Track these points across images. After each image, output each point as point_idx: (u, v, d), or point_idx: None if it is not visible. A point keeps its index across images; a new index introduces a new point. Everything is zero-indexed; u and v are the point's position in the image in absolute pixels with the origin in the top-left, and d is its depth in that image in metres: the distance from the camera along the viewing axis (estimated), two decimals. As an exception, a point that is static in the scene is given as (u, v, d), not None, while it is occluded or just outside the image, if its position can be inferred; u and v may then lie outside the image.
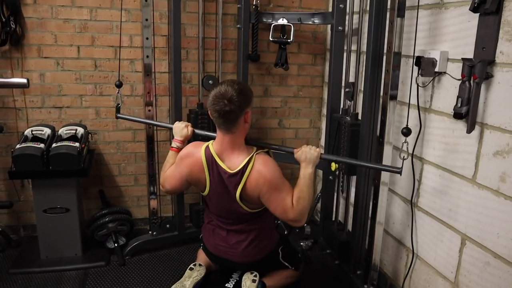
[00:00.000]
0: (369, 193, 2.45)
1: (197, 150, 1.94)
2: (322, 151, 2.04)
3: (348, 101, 2.66)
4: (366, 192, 2.47)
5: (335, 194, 2.93)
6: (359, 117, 2.47)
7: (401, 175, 1.96)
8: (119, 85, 2.53)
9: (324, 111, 3.33)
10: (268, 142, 2.95)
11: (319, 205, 3.15)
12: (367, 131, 2.38)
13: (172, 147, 2.17)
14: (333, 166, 2.63)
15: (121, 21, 2.74)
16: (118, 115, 2.52)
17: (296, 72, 3.25)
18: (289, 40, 2.79)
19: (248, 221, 2.02)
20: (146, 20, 2.62)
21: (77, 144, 2.60)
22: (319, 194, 3.17)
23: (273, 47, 3.06)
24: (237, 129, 1.82)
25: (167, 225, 2.90)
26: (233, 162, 1.85)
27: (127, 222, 2.90)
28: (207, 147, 1.91)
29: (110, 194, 3.08)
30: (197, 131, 2.23)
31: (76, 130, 2.74)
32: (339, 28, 2.69)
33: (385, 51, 2.21)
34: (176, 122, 2.22)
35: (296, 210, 1.83)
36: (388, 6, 2.20)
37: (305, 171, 1.88)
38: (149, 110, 2.73)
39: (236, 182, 1.84)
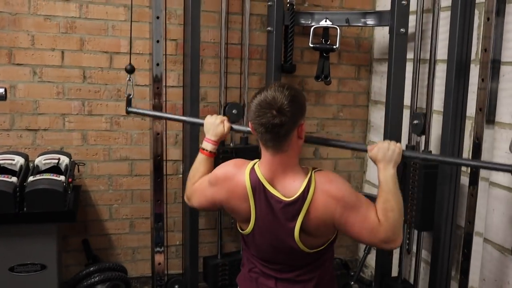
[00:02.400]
0: (452, 244, 2.28)
1: (240, 173, 1.78)
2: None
3: (417, 136, 2.51)
4: (447, 240, 2.25)
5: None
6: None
7: None
8: (130, 69, 2.26)
9: (371, 136, 3.18)
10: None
11: (372, 257, 2.89)
12: (449, 173, 2.22)
13: (203, 149, 1.98)
14: None
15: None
16: (129, 109, 2.28)
17: (335, 88, 3.10)
18: (334, 46, 2.62)
19: (305, 267, 1.84)
20: (158, 18, 2.43)
21: (61, 178, 2.35)
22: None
23: (308, 57, 2.99)
24: (289, 147, 1.68)
25: (176, 286, 2.73)
26: (288, 188, 1.71)
27: (122, 282, 2.67)
28: (253, 169, 1.76)
29: (96, 246, 2.87)
30: (235, 126, 2.06)
31: (58, 159, 2.51)
32: (401, 30, 2.52)
33: (473, 57, 2.13)
34: (208, 116, 2.05)
35: (386, 226, 1.69)
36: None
37: (386, 174, 1.73)
38: (158, 134, 2.49)
39: (295, 212, 1.70)
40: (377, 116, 3.05)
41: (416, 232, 2.57)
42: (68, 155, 2.59)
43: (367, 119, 3.20)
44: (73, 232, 2.80)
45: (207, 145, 1.97)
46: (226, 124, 1.99)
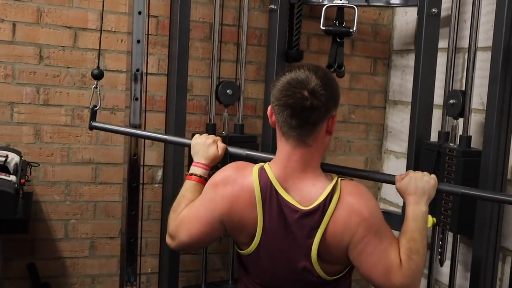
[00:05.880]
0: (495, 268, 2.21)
1: (245, 175, 1.72)
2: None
3: (454, 120, 2.46)
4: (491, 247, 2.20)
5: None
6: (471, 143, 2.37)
7: None
8: (98, 75, 2.15)
9: (388, 144, 3.13)
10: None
11: None
12: (494, 160, 2.16)
13: (190, 174, 1.91)
14: (430, 220, 2.36)
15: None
16: (93, 123, 2.19)
17: (347, 85, 3.04)
18: (351, 30, 2.56)
19: None
20: (139, -18, 2.32)
21: (12, 178, 2.19)
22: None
23: (315, 45, 2.98)
24: (315, 141, 1.64)
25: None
26: (305, 193, 1.66)
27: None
28: (262, 169, 1.70)
29: (45, 272, 2.73)
30: (231, 149, 1.98)
31: (6, 156, 2.34)
32: (433, 10, 2.48)
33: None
34: (197, 136, 2.00)
35: (406, 270, 1.66)
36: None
37: (416, 209, 1.75)
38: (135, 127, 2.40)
39: (313, 225, 1.64)
40: (396, 120, 3.01)
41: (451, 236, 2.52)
42: (18, 152, 2.44)
43: (383, 124, 3.17)
44: (16, 254, 2.64)
45: (197, 169, 1.91)
46: (220, 145, 1.95)
